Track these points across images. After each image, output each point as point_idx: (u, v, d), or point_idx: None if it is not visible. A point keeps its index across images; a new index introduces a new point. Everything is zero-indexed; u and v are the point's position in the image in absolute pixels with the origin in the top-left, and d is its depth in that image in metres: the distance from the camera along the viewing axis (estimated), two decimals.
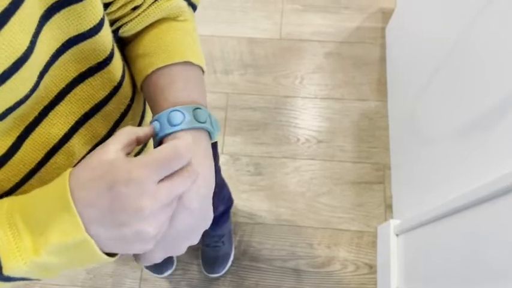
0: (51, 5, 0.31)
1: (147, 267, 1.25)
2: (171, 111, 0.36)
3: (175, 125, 0.36)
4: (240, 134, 1.44)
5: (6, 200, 0.31)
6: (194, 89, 0.40)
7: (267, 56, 1.56)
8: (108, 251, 0.31)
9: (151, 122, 0.38)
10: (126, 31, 0.41)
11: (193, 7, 0.45)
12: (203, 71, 0.43)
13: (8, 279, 0.30)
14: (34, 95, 0.32)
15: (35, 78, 0.31)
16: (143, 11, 0.40)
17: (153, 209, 0.29)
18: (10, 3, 0.27)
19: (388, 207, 1.33)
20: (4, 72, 0.28)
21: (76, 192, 0.29)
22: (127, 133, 0.33)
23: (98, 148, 0.31)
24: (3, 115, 0.31)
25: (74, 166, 0.31)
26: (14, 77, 0.29)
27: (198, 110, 0.37)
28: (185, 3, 0.43)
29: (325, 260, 1.28)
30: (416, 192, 1.12)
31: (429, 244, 0.97)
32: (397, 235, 1.17)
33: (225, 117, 1.46)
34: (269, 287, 1.25)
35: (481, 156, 0.77)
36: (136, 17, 0.40)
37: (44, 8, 0.30)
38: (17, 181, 0.36)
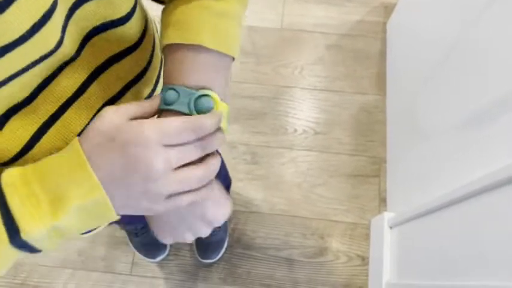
0: None
1: (140, 252, 1.25)
2: (169, 88, 0.35)
3: (168, 104, 0.34)
4: (237, 123, 1.43)
5: (14, 170, 0.31)
6: (203, 74, 0.37)
7: (268, 46, 1.55)
8: (118, 210, 0.32)
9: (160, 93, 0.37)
10: None
11: None
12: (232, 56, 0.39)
13: (22, 246, 0.30)
14: (59, 50, 0.32)
15: (59, 33, 0.31)
16: None
17: (164, 170, 0.30)
18: None
19: (383, 201, 1.33)
20: (35, 24, 0.28)
21: (91, 156, 0.30)
22: (136, 106, 0.33)
23: (107, 111, 0.31)
24: (27, 68, 0.31)
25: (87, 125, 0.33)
26: (42, 29, 0.29)
27: (204, 97, 0.34)
28: None
29: (318, 250, 1.28)
30: (411, 187, 1.12)
31: (422, 237, 0.97)
32: (390, 228, 1.18)
33: None
34: (261, 275, 1.25)
35: (475, 151, 0.78)
36: None
37: None
38: (32, 134, 0.36)
